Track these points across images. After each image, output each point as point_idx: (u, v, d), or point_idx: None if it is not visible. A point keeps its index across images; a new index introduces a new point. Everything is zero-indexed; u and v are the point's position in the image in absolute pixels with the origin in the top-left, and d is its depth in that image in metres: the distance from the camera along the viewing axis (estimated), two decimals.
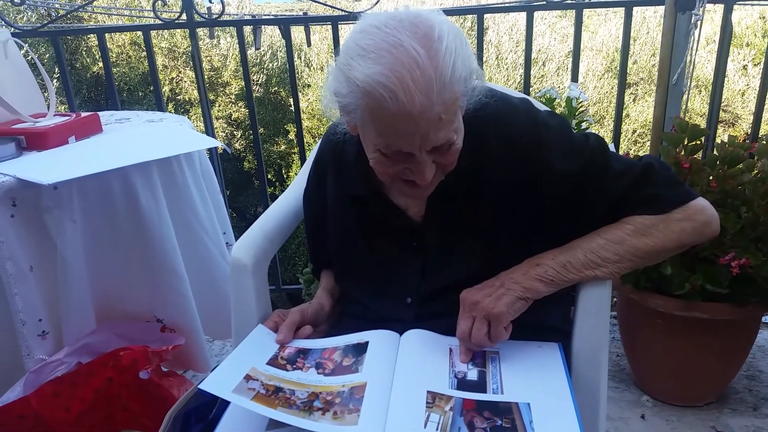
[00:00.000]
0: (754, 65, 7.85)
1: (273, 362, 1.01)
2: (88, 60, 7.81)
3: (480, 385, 0.94)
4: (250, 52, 7.00)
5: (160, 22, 2.16)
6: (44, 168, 1.39)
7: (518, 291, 1.01)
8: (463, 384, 0.94)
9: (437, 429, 0.83)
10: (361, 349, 1.04)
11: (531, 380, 0.94)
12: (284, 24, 2.21)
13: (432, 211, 1.09)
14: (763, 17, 8.35)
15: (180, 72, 7.81)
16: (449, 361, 1.00)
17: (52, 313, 1.42)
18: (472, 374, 0.97)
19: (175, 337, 1.61)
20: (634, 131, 7.77)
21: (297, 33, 6.52)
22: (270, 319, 1.13)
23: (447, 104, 0.86)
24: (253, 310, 1.20)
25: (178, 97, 7.84)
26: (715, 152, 1.75)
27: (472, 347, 1.01)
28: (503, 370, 0.98)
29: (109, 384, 1.42)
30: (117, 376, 1.42)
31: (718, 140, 1.85)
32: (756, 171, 1.69)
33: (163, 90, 7.69)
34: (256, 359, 1.01)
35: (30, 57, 1.79)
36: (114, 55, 7.78)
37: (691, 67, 1.87)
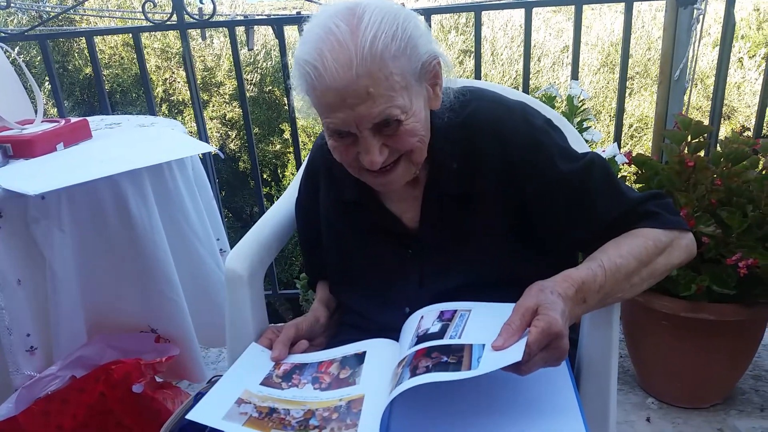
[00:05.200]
0: (750, 57, 7.83)
1: (267, 382, 0.97)
2: (80, 62, 7.76)
3: (439, 336, 0.89)
4: (244, 51, 6.95)
5: (150, 23, 2.12)
6: (31, 177, 1.35)
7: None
8: (423, 339, 0.89)
9: (388, 395, 0.80)
10: (358, 359, 1.00)
11: (495, 329, 0.83)
12: (277, 24, 2.16)
13: (426, 217, 1.05)
14: (758, 9, 8.33)
15: (173, 73, 7.76)
16: (416, 327, 0.94)
17: (41, 327, 1.38)
18: (435, 328, 0.91)
19: (170, 347, 1.57)
20: (631, 125, 7.76)
21: (291, 32, 6.46)
22: (264, 337, 1.09)
23: (376, 78, 0.85)
24: (249, 321, 1.16)
25: (172, 98, 7.79)
26: (718, 149, 1.71)
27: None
28: (468, 322, 0.91)
29: (102, 399, 1.38)
30: (109, 391, 1.38)
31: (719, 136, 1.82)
32: (761, 167, 1.65)
33: (157, 91, 7.63)
34: (249, 381, 0.97)
35: (12, 59, 1.74)
36: (106, 57, 7.72)
37: (693, 62, 1.84)
